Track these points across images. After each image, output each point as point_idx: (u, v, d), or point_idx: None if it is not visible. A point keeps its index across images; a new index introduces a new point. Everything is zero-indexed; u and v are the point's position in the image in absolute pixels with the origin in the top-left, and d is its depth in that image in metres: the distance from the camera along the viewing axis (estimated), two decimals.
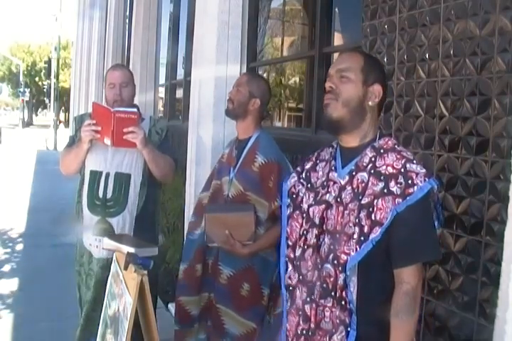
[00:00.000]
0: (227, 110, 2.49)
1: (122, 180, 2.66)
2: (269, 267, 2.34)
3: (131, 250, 2.08)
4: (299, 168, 1.74)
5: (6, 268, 5.06)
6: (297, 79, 4.63)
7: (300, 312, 1.58)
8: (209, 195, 2.54)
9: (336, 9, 3.53)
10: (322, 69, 3.32)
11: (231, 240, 2.24)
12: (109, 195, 2.65)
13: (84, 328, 2.76)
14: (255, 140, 2.43)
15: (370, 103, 1.56)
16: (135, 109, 2.64)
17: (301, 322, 1.58)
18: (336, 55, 3.38)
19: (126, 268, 2.04)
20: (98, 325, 2.43)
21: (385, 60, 2.35)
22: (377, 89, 1.57)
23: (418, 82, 2.17)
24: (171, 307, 3.98)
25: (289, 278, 1.63)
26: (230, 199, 2.40)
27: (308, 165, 1.70)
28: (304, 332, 1.57)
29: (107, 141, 2.55)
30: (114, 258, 2.31)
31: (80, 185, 2.76)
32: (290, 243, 1.64)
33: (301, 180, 1.68)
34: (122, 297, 2.08)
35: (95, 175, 2.68)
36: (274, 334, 2.29)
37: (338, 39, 3.59)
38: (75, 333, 2.81)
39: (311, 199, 1.61)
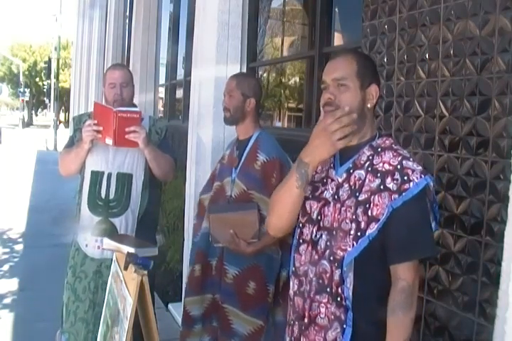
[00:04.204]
0: (226, 119, 2.48)
1: (124, 180, 2.65)
2: (274, 264, 2.35)
3: (131, 250, 2.08)
4: None
5: (6, 268, 5.06)
6: (297, 79, 4.63)
7: (291, 303, 1.62)
8: (210, 197, 2.54)
9: (336, 9, 3.54)
10: (322, 69, 3.29)
11: (236, 239, 2.25)
12: (111, 195, 2.64)
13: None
14: (256, 139, 2.44)
15: (369, 105, 1.57)
16: (137, 108, 2.63)
17: (291, 312, 1.61)
18: None
19: (126, 268, 2.04)
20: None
21: (385, 60, 2.35)
22: (374, 89, 1.57)
23: (418, 82, 2.17)
24: (171, 307, 3.98)
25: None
26: (233, 199, 2.40)
27: None
28: (292, 322, 1.60)
29: (109, 140, 2.53)
30: (114, 258, 2.31)
31: (80, 185, 2.74)
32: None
33: None
34: (122, 297, 2.08)
35: (97, 176, 2.66)
36: (280, 332, 2.30)
37: (338, 39, 3.59)
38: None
39: (309, 192, 1.62)
